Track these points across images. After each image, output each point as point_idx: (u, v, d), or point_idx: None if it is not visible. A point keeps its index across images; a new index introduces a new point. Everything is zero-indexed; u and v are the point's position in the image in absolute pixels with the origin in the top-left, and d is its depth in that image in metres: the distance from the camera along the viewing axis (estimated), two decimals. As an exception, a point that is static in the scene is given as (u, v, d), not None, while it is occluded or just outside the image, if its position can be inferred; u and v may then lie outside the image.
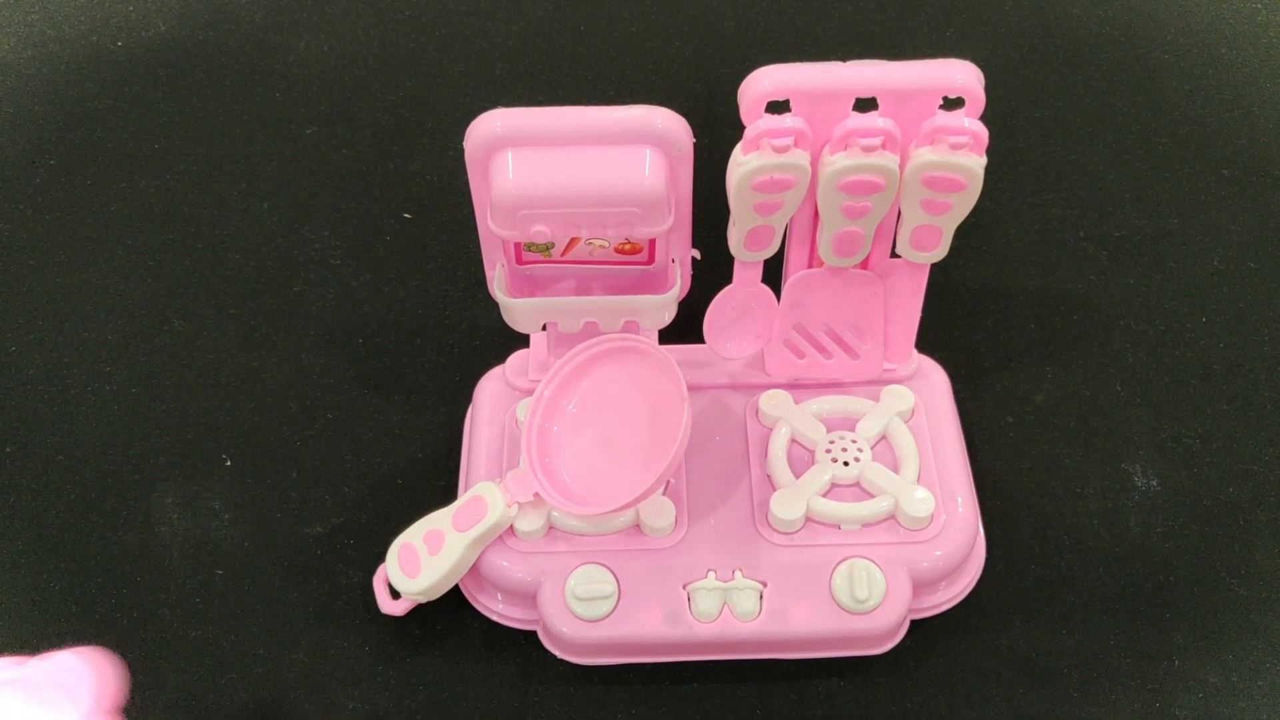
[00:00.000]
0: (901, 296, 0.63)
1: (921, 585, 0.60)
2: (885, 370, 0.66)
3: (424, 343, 0.74)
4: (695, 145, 0.55)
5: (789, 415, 0.64)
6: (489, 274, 0.60)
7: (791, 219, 0.58)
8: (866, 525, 0.61)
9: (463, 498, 0.61)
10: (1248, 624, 0.62)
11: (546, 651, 0.61)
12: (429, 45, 0.92)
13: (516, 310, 0.60)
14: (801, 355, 0.65)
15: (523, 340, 0.67)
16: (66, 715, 0.44)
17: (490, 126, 0.54)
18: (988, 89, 0.53)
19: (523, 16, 0.94)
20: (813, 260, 0.61)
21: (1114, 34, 0.91)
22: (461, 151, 0.55)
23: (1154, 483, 0.67)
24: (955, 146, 0.53)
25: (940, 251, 0.59)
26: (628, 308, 0.60)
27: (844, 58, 0.53)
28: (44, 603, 0.64)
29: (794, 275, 0.62)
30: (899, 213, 0.57)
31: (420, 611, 0.61)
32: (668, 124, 0.54)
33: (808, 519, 0.61)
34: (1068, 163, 0.83)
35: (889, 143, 0.53)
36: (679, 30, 0.92)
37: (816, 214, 0.57)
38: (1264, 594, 0.63)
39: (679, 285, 0.60)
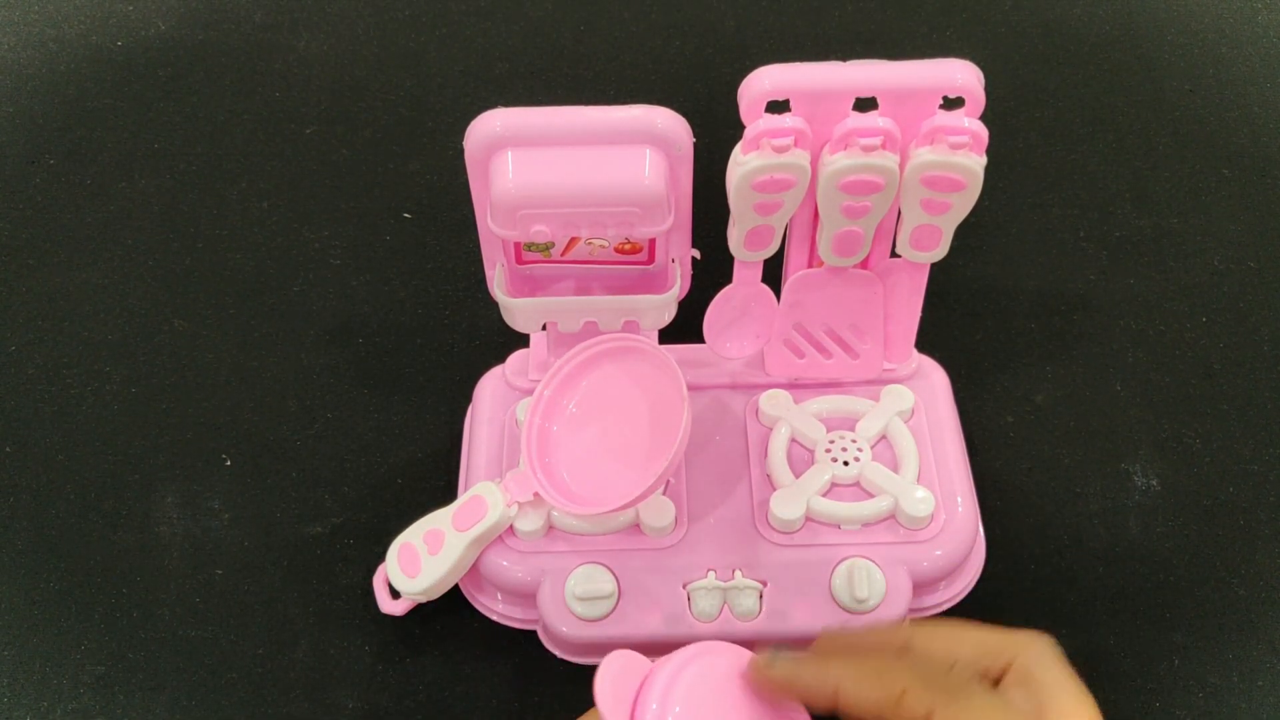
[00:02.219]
0: (901, 296, 0.63)
1: (921, 585, 0.60)
2: (885, 370, 0.66)
3: (424, 342, 0.74)
4: (695, 145, 0.55)
5: (789, 415, 0.64)
6: (489, 274, 0.60)
7: (791, 219, 0.58)
8: (866, 525, 0.61)
9: (463, 497, 0.61)
10: (1248, 624, 0.62)
11: (546, 651, 0.61)
12: (429, 45, 0.92)
13: (516, 310, 0.60)
14: (801, 355, 0.65)
15: (523, 340, 0.67)
16: None
17: (490, 126, 0.54)
18: (988, 89, 0.53)
19: (523, 16, 0.94)
20: (813, 260, 0.61)
21: (1114, 34, 0.91)
22: (461, 151, 0.55)
23: (1154, 482, 0.67)
24: (955, 146, 0.53)
25: (940, 251, 0.59)
26: (628, 307, 0.60)
27: (844, 58, 0.53)
28: (44, 602, 0.64)
29: (794, 275, 0.62)
30: (899, 212, 0.57)
31: (420, 611, 0.61)
32: (668, 124, 0.54)
33: (807, 519, 0.61)
34: (1068, 162, 0.83)
35: (889, 142, 0.53)
36: (679, 30, 0.92)
37: (816, 214, 0.57)
38: (1264, 594, 0.63)
39: (679, 285, 0.60)
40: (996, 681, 0.43)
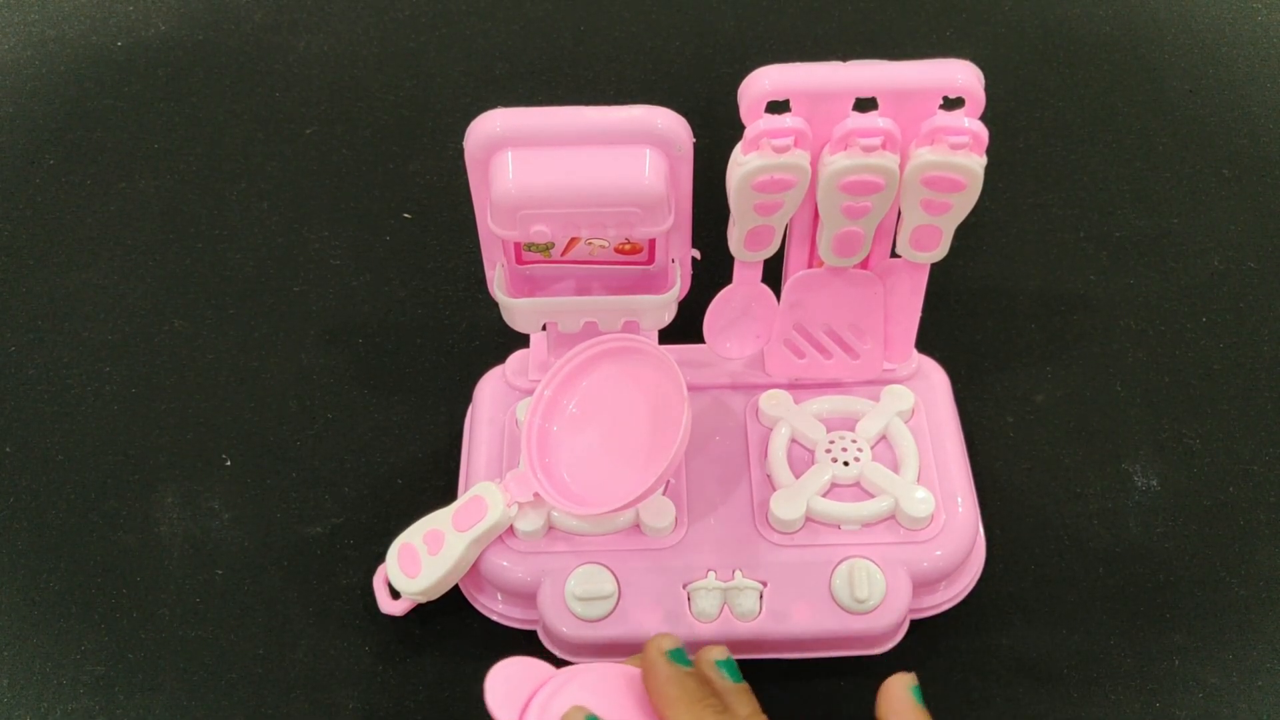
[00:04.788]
0: (902, 296, 0.63)
1: (921, 585, 0.60)
2: (885, 370, 0.66)
3: (424, 343, 0.74)
4: (695, 145, 0.55)
5: (789, 415, 0.64)
6: (489, 274, 0.60)
7: (791, 219, 0.58)
8: (866, 525, 0.61)
9: (463, 498, 0.61)
10: (1248, 624, 0.62)
11: (546, 651, 0.61)
12: (429, 45, 0.92)
13: (516, 310, 0.60)
14: (801, 355, 0.65)
15: (523, 340, 0.67)
16: None
17: (490, 126, 0.54)
18: (988, 89, 0.53)
19: (523, 17, 0.94)
20: (813, 260, 0.61)
21: (1114, 34, 0.91)
22: (461, 151, 0.55)
23: (1154, 483, 0.67)
24: (955, 146, 0.53)
25: (940, 251, 0.59)
26: (628, 308, 0.60)
27: (844, 58, 0.53)
28: (44, 603, 0.64)
29: (794, 275, 0.62)
30: (899, 213, 0.57)
31: (420, 611, 0.61)
32: (668, 124, 0.54)
33: (808, 519, 0.61)
34: (1068, 162, 0.83)
35: (889, 143, 0.53)
36: (679, 30, 0.92)
37: (816, 214, 0.57)
38: (1264, 594, 0.63)
39: (679, 285, 0.60)
40: None
